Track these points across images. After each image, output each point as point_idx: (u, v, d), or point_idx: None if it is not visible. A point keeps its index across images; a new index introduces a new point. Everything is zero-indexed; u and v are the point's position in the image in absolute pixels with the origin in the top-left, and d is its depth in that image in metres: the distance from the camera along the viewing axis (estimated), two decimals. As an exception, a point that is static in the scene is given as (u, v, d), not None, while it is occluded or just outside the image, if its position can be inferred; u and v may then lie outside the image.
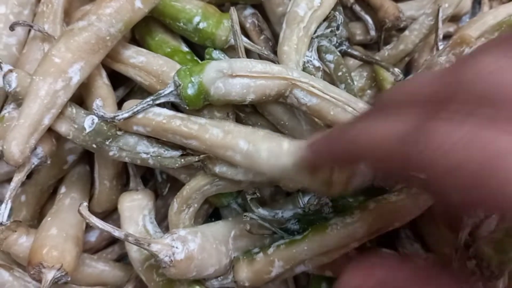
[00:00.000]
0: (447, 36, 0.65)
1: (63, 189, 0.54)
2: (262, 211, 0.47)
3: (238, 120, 0.51)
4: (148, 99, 0.45)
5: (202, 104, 0.45)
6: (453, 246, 0.50)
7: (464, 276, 0.46)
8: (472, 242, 0.49)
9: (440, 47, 0.55)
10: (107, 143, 0.47)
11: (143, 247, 0.43)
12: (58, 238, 0.47)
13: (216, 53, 0.52)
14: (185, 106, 0.45)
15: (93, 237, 0.56)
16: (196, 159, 0.47)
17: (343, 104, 0.46)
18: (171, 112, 0.45)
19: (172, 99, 0.45)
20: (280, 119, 0.49)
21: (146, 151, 0.47)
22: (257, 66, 0.45)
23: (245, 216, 0.46)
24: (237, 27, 0.49)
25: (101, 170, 0.53)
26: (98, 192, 0.54)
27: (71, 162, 0.54)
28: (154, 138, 0.49)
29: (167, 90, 0.45)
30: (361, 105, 0.46)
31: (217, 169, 0.46)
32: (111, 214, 0.57)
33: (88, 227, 0.55)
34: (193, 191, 0.47)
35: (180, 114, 0.45)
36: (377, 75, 0.56)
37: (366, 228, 0.45)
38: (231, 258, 0.48)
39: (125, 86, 0.54)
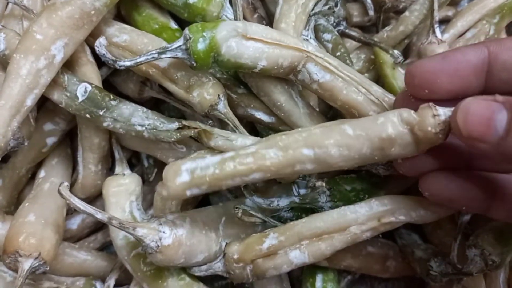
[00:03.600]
0: (445, 21, 0.66)
1: (42, 174, 0.53)
2: (256, 199, 0.47)
3: (230, 103, 0.50)
4: (153, 52, 0.43)
5: (211, 65, 0.44)
6: (452, 235, 0.51)
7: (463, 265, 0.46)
8: (472, 230, 0.49)
9: (436, 29, 0.55)
10: (101, 113, 0.46)
11: (128, 231, 0.42)
12: (36, 225, 0.46)
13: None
14: (193, 63, 0.43)
15: (74, 224, 0.55)
16: (192, 133, 0.47)
17: (357, 84, 0.46)
18: (217, 158, 0.42)
19: (179, 54, 0.43)
20: (276, 100, 0.49)
21: (141, 123, 0.47)
22: (273, 33, 0.45)
23: (236, 208, 0.45)
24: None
25: (85, 153, 0.52)
26: (82, 177, 0.53)
27: (51, 145, 0.53)
28: (150, 110, 0.48)
29: (176, 44, 0.43)
30: (375, 88, 0.46)
31: (213, 143, 0.46)
32: (94, 200, 0.56)
33: (69, 214, 0.55)
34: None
35: (227, 155, 0.42)
36: (377, 58, 0.56)
37: (368, 215, 0.45)
38: (221, 245, 0.47)
39: (108, 67, 0.53)
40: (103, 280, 0.52)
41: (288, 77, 0.47)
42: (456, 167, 0.41)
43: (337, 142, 0.39)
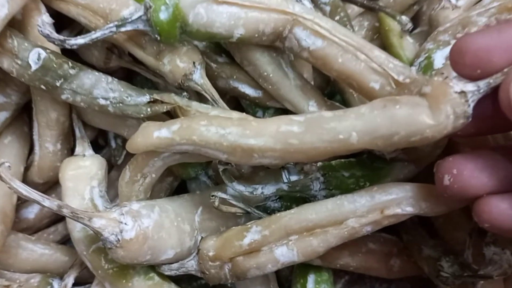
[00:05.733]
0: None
1: (-8, 154, 0.47)
2: (237, 186, 0.41)
3: (209, 73, 0.44)
4: (111, 25, 0.39)
5: (178, 36, 0.39)
6: (466, 230, 0.45)
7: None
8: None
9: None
10: (58, 83, 0.41)
11: (83, 222, 0.36)
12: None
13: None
14: (156, 36, 0.38)
15: (31, 213, 0.50)
16: (165, 108, 0.41)
17: (354, 49, 0.39)
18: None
19: (141, 26, 0.39)
20: (263, 71, 0.43)
21: (105, 95, 0.42)
22: None
23: (212, 196, 0.39)
24: None
25: (42, 130, 0.46)
26: (39, 158, 0.47)
27: (2, 121, 0.47)
28: (116, 81, 0.43)
29: (135, 15, 0.38)
30: (377, 53, 0.40)
31: None
32: (55, 185, 0.50)
33: (26, 201, 0.49)
34: (150, 158, 0.41)
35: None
36: (382, 25, 0.50)
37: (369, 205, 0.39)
38: (196, 239, 0.42)
39: (71, 28, 0.47)
40: (62, 277, 0.46)
41: (274, 44, 0.41)
42: None
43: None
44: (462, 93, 0.33)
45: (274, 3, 0.39)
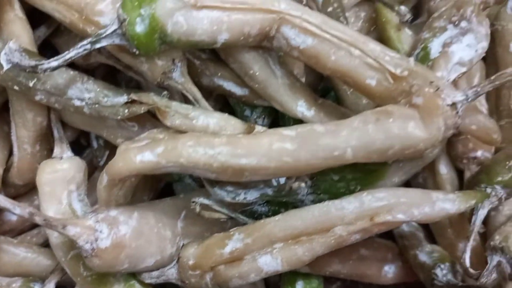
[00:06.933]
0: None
1: (-31, 155, 0.46)
2: (218, 191, 0.39)
3: (192, 70, 0.42)
4: (85, 42, 0.37)
5: (158, 48, 0.37)
6: (464, 236, 0.43)
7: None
8: (489, 232, 0.41)
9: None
10: (31, 84, 0.40)
11: (57, 230, 0.36)
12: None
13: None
14: (135, 50, 0.37)
15: (14, 216, 0.48)
16: (143, 109, 0.40)
17: (348, 45, 0.37)
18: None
19: (116, 41, 0.37)
20: (248, 68, 0.41)
21: (80, 96, 0.40)
22: None
23: (193, 202, 0.38)
24: None
25: (19, 131, 0.45)
26: (18, 159, 0.46)
27: (-20, 121, 0.46)
28: (93, 79, 0.41)
29: (110, 29, 0.37)
30: (372, 46, 0.38)
31: (169, 122, 0.39)
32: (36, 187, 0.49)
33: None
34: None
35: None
36: (379, 16, 0.48)
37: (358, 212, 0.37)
38: (178, 246, 0.40)
39: (48, 23, 0.45)
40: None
41: (262, 44, 0.39)
42: None
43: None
44: (453, 104, 0.32)
45: (258, 2, 0.37)
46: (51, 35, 0.46)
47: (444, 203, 0.38)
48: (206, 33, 0.36)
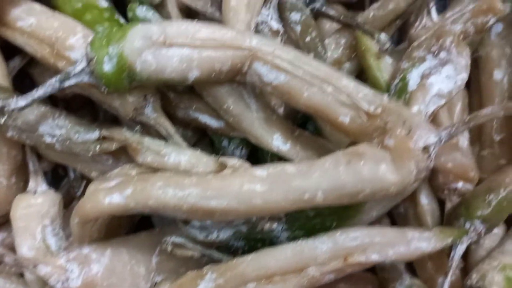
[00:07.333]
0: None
1: None
2: (191, 230, 0.39)
3: (167, 103, 0.42)
4: (53, 80, 0.37)
5: (128, 86, 0.37)
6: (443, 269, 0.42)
7: None
8: (469, 266, 0.41)
9: (432, 10, 0.46)
10: (1, 121, 0.39)
11: (27, 270, 0.36)
12: None
13: (141, 10, 0.43)
14: (103, 89, 0.37)
15: (-8, 245, 0.48)
16: (115, 146, 0.39)
17: (320, 82, 0.37)
18: None
19: (85, 79, 0.37)
20: (222, 102, 0.40)
21: (52, 133, 0.40)
22: (202, 30, 0.37)
23: (164, 241, 0.37)
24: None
25: (-6, 164, 0.45)
26: (-6, 192, 0.46)
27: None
28: (63, 116, 0.41)
29: (78, 67, 0.37)
30: (345, 82, 0.37)
31: (141, 158, 0.39)
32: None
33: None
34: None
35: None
36: (359, 44, 0.47)
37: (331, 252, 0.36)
38: (153, 282, 0.40)
39: (23, 54, 0.45)
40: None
41: (235, 79, 0.38)
42: None
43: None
44: (425, 148, 0.32)
45: (228, 38, 0.36)
46: (27, 64, 0.46)
47: (419, 242, 0.37)
48: (176, 71, 0.36)
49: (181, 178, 0.35)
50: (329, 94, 0.37)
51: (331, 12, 0.48)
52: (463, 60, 0.41)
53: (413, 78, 0.42)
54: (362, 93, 0.37)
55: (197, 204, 0.35)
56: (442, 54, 0.42)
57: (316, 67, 0.38)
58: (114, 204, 0.35)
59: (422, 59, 0.42)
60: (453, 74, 0.41)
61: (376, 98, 0.37)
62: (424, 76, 0.42)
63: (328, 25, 0.51)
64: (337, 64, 0.48)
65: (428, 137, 0.33)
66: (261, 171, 0.36)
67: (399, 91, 0.42)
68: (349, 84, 0.38)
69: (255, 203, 0.35)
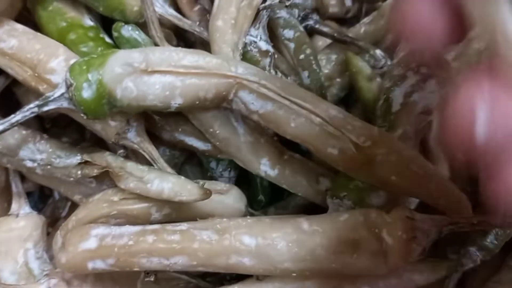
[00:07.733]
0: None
1: None
2: None
3: (152, 126, 0.41)
4: (32, 105, 0.36)
5: (108, 112, 0.36)
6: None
7: None
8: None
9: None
10: None
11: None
12: None
13: (127, 30, 0.42)
14: (83, 115, 0.36)
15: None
16: (96, 172, 0.39)
17: (308, 112, 0.36)
18: (137, 228, 0.36)
19: (64, 104, 0.36)
20: (209, 126, 0.39)
21: (32, 157, 0.40)
22: (186, 57, 0.36)
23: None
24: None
25: (-24, 186, 0.44)
26: (-24, 215, 0.45)
27: None
28: (45, 139, 0.41)
29: (57, 92, 0.36)
30: (333, 113, 0.36)
31: (123, 184, 0.38)
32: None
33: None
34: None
35: (151, 227, 0.36)
36: (349, 66, 0.45)
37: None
38: (137, 311, 0.39)
39: (6, 75, 0.44)
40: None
41: (221, 106, 0.37)
42: None
43: (287, 236, 0.33)
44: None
45: (213, 66, 0.35)
46: (13, 83, 0.45)
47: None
48: (158, 98, 0.35)
49: (166, 248, 0.34)
50: (317, 125, 0.36)
51: (325, 29, 0.47)
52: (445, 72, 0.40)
53: (396, 98, 0.40)
54: (351, 125, 0.36)
55: (184, 269, 0.35)
56: (423, 69, 0.40)
57: (303, 97, 0.36)
58: (98, 268, 0.35)
59: (403, 77, 0.41)
60: (436, 88, 0.40)
61: (365, 131, 0.35)
62: (406, 95, 0.40)
63: (321, 42, 0.50)
64: (328, 80, 0.46)
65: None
66: (250, 240, 0.34)
67: (384, 113, 0.40)
68: (338, 115, 0.36)
69: (241, 273, 0.35)
